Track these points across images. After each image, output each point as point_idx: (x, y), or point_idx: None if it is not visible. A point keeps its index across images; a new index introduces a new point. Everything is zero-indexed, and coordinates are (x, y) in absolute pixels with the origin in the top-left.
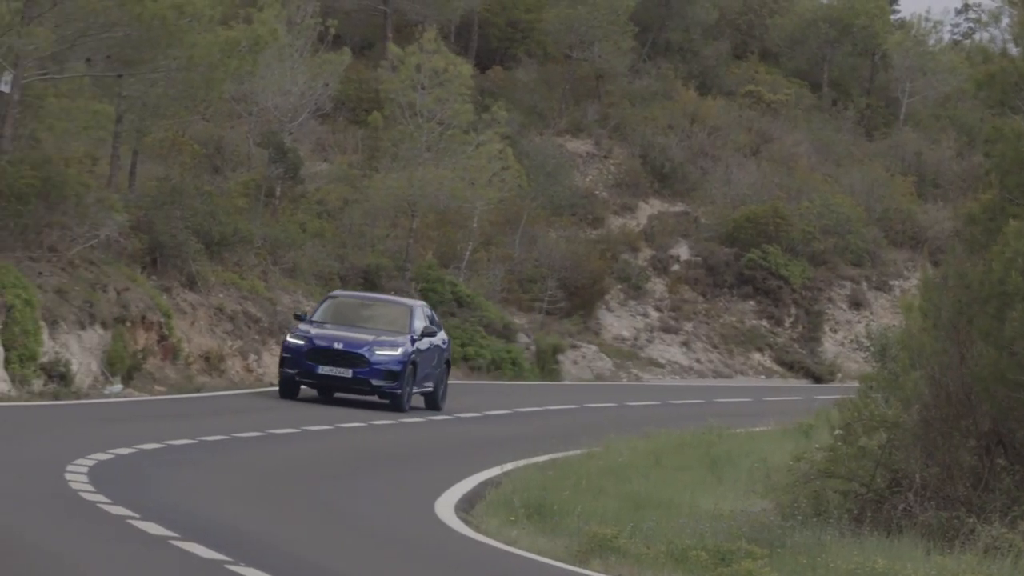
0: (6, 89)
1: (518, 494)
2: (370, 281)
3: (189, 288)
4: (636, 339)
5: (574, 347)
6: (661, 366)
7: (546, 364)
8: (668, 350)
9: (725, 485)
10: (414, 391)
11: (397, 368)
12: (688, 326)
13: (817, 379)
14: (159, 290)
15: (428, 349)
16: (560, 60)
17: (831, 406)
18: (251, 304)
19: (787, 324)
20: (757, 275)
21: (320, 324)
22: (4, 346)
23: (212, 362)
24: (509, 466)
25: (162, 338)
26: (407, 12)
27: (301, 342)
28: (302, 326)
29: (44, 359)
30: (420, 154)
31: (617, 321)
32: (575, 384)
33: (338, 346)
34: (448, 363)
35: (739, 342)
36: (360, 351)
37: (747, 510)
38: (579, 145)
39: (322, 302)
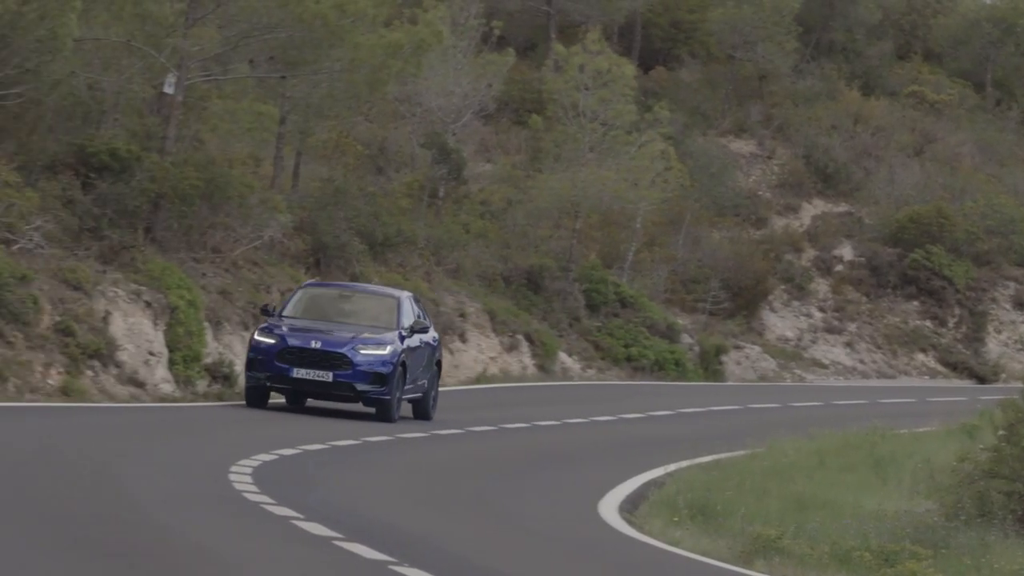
0: (170, 91)
1: (682, 495)
2: (533, 282)
3: None
4: (799, 340)
5: (737, 348)
6: (825, 367)
7: (710, 365)
8: (832, 351)
9: (889, 486)
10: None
11: (385, 370)
12: (852, 327)
13: (981, 380)
14: None
15: (419, 348)
16: (723, 60)
17: (995, 407)
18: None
19: (951, 324)
20: (921, 275)
21: (292, 319)
22: (168, 347)
23: None
24: (673, 467)
25: None
26: (571, 12)
27: (271, 341)
28: (272, 322)
29: (208, 360)
30: (583, 154)
31: (780, 322)
32: (738, 385)
33: (316, 345)
34: (439, 364)
35: (902, 343)
36: (341, 351)
37: (911, 511)
38: (742, 145)
39: (294, 293)
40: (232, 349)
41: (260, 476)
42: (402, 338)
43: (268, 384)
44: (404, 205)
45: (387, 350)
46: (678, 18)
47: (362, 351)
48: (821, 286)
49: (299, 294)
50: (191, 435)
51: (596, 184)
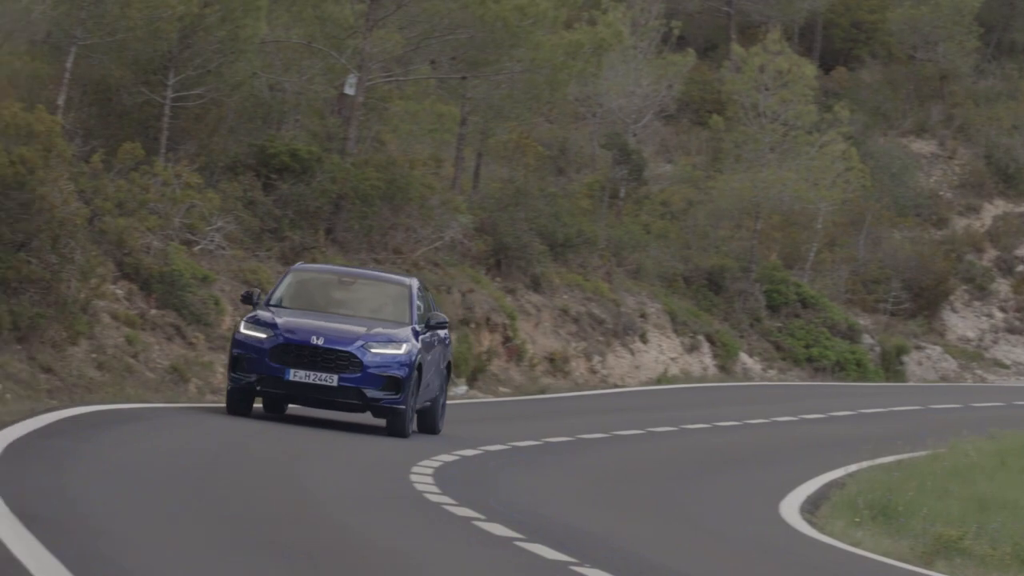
0: (351, 92)
1: (863, 495)
2: (714, 282)
3: (533, 289)
4: (981, 340)
5: (918, 348)
6: (1006, 367)
7: (890, 365)
8: (1013, 351)
9: None
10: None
11: (401, 374)
12: None
13: None
14: (503, 291)
15: (434, 347)
16: (904, 60)
17: None
18: (595, 305)
19: None
20: None
21: (284, 310)
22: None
23: (556, 363)
24: (854, 467)
25: (506, 339)
26: (750, 13)
27: (262, 335)
28: (261, 313)
29: None
30: (764, 155)
31: (961, 322)
32: (919, 385)
33: (318, 341)
34: (450, 367)
35: None
36: (350, 348)
37: None
38: (923, 146)
39: (282, 278)
40: None
41: (441, 477)
42: (417, 335)
43: (258, 388)
44: (584, 206)
45: (403, 349)
46: (858, 18)
47: (374, 350)
48: (1002, 286)
49: (289, 279)
50: (372, 435)
51: (776, 185)
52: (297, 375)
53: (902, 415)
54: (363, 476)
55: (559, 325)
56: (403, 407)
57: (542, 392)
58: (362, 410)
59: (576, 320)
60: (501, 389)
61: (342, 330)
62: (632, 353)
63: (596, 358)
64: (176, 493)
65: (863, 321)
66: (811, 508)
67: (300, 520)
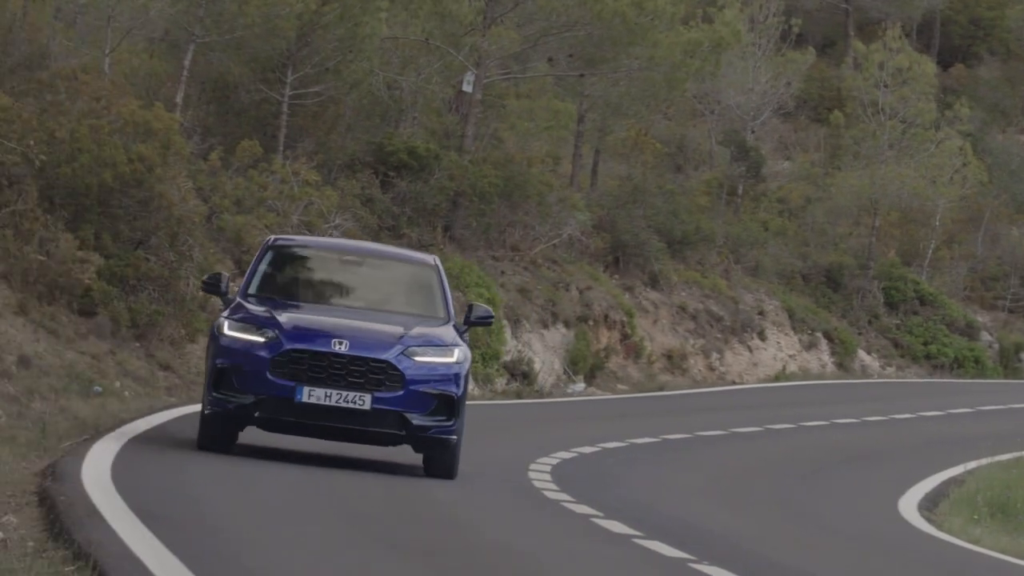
0: (469, 89)
1: (981, 492)
2: (832, 279)
3: (651, 287)
4: None
5: None
6: None
7: (1009, 362)
8: None
9: None
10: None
11: (456, 391)
12: None
13: None
14: (621, 289)
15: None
16: (1022, 57)
17: None
18: (713, 303)
19: None
20: None
21: (271, 302)
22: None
23: (674, 361)
24: (973, 464)
25: (624, 337)
26: (869, 10)
27: (257, 338)
28: (252, 307)
29: (507, 358)
30: (882, 152)
31: None
32: None
33: (340, 347)
34: (467, 380)
35: None
36: (386, 356)
37: None
38: None
39: (260, 256)
40: (531, 347)
41: (559, 473)
42: (460, 333)
43: (257, 415)
44: (702, 203)
45: (455, 356)
46: (977, 15)
47: (419, 358)
48: None
49: (269, 257)
50: (491, 433)
51: (895, 182)
52: (313, 395)
53: (1021, 412)
54: (483, 473)
55: (677, 322)
56: (454, 437)
57: (660, 389)
58: (398, 442)
59: (694, 317)
60: (619, 386)
61: (372, 331)
62: (750, 350)
63: (714, 355)
64: (295, 491)
65: (981, 318)
66: (930, 505)
67: (418, 518)
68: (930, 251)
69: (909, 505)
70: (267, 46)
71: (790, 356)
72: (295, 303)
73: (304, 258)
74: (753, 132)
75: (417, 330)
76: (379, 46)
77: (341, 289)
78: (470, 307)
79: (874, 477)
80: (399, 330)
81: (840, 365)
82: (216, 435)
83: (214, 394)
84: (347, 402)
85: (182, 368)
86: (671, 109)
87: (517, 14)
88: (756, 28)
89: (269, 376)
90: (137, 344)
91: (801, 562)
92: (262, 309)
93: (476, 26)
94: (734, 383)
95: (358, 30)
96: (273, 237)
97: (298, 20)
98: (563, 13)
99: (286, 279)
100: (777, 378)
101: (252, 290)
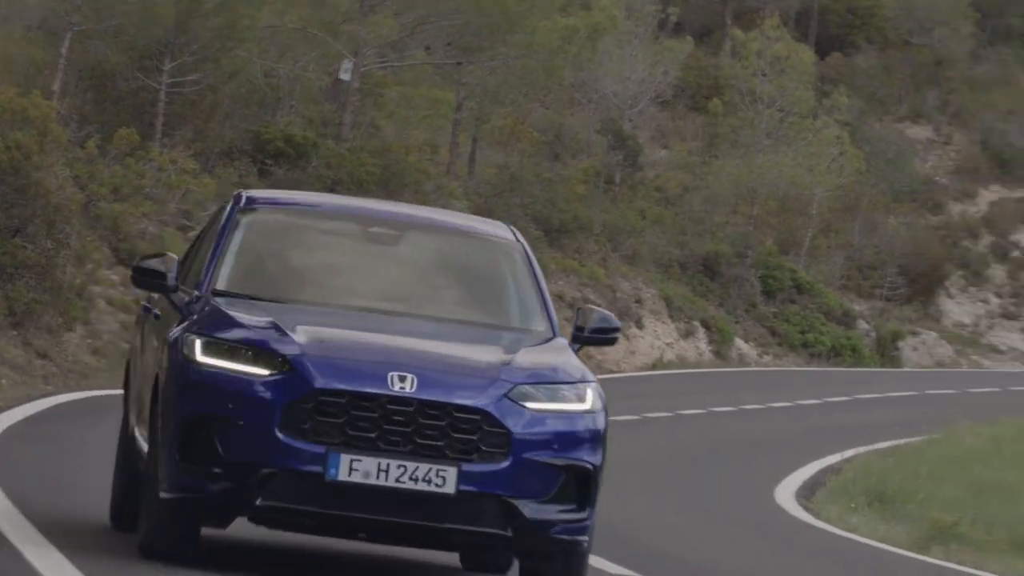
0: (346, 78)
1: (858, 481)
2: (710, 268)
3: None
4: (976, 326)
5: (914, 334)
6: (1002, 352)
7: (886, 351)
8: (1009, 337)
9: None
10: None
11: (590, 460)
12: None
13: None
14: None
15: None
16: (899, 46)
17: None
18: (591, 291)
19: None
20: None
21: (264, 306)
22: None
23: None
24: (850, 453)
25: None
26: None
27: (259, 370)
28: (234, 314)
29: None
30: (760, 141)
31: (957, 308)
32: (915, 371)
33: (403, 385)
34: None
35: None
36: (480, 403)
37: None
38: (919, 131)
39: (228, 225)
40: None
41: None
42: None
43: (260, 503)
44: (580, 192)
45: (588, 401)
46: (854, 4)
47: (532, 403)
48: (998, 272)
49: (245, 228)
50: None
51: (773, 170)
52: (358, 470)
53: (898, 401)
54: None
55: (555, 311)
56: (586, 540)
57: None
58: (502, 546)
59: (571, 306)
60: None
61: (452, 359)
62: (627, 339)
63: None
64: None
65: (858, 307)
66: (807, 494)
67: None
68: (807, 240)
69: (786, 493)
70: (145, 34)
71: (667, 344)
72: (302, 307)
73: (305, 230)
74: (631, 121)
75: (524, 356)
76: (257, 34)
77: (373, 282)
78: (579, 312)
79: (751, 466)
80: (495, 356)
81: (717, 353)
82: (176, 532)
83: (181, 463)
84: (416, 480)
85: (59, 356)
86: (549, 98)
87: (395, 2)
88: (633, 16)
89: (280, 436)
90: (14, 332)
91: (678, 548)
92: (258, 319)
93: (354, 14)
94: (611, 371)
95: (237, 19)
96: (246, 195)
97: (176, 8)
98: (441, 1)
99: (279, 265)
100: (654, 366)
101: (222, 283)
